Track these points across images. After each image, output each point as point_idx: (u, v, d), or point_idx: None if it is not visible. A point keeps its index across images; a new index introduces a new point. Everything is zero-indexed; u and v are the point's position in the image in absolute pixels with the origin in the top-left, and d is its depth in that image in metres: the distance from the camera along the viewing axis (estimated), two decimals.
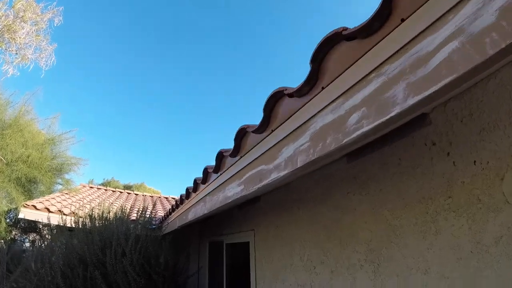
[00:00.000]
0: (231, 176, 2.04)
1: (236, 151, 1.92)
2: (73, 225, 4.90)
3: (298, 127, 1.29)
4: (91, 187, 10.70)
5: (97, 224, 4.38)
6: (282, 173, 1.35)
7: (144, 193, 11.38)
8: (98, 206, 4.91)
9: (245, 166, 1.81)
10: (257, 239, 2.92)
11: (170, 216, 4.54)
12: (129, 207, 7.11)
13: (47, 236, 6.76)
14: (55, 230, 5.55)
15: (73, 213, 6.26)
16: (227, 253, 3.98)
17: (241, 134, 1.84)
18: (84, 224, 4.70)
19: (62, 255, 4.04)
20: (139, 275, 3.39)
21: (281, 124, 1.43)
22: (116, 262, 3.50)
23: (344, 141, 0.98)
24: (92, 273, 3.73)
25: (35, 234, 8.51)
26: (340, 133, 1.01)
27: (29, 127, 7.75)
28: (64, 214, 6.22)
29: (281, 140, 1.42)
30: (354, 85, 0.99)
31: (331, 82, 1.10)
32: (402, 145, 1.37)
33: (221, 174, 2.28)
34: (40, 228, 8.20)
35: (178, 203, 3.75)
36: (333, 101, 1.08)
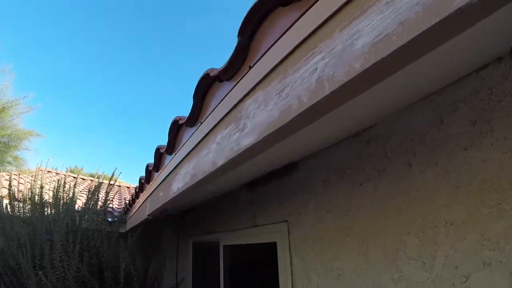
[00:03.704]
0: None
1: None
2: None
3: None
4: (48, 171, 8.94)
5: (26, 211, 2.88)
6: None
7: (111, 182, 9.56)
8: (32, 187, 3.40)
9: None
10: (295, 236, 1.64)
11: (136, 201, 3.05)
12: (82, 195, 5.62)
13: None
14: None
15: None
16: (225, 261, 2.62)
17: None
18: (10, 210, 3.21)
19: None
20: None
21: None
22: (40, 274, 2.03)
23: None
24: None
25: None
26: None
27: None
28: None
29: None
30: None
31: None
32: None
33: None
34: None
35: (151, 169, 2.25)
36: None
